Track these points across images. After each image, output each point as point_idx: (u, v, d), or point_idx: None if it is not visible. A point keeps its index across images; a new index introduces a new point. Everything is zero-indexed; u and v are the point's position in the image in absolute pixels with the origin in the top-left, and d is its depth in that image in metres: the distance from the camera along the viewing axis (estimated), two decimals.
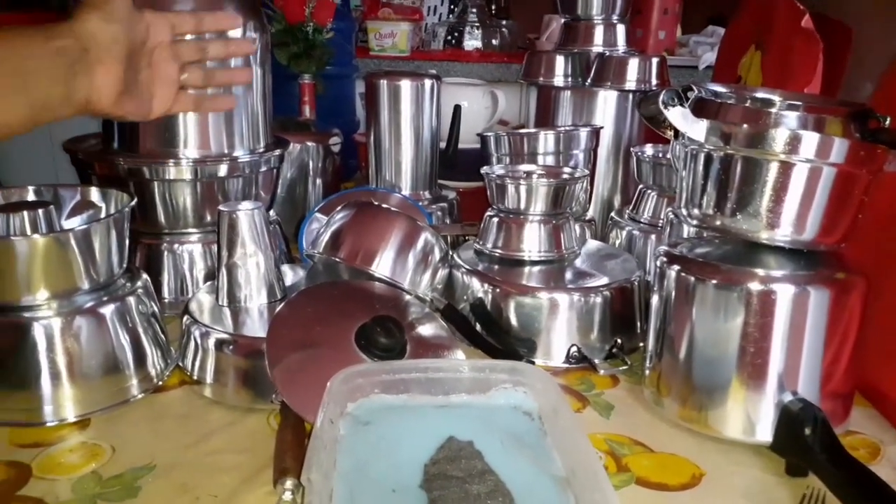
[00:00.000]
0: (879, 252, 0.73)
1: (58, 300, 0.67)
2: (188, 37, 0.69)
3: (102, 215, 0.77)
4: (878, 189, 0.65)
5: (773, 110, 0.63)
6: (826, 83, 0.96)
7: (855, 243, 0.66)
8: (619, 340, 0.83)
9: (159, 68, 0.65)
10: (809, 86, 0.96)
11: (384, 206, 0.89)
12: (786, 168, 0.62)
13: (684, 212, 0.70)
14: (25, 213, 0.70)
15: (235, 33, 0.84)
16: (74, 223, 0.77)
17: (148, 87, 0.64)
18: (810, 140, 0.61)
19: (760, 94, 0.67)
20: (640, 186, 1.03)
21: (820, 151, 0.61)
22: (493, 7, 2.90)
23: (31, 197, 0.77)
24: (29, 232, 0.69)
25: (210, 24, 0.68)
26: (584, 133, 1.08)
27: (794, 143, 0.61)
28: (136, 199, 0.76)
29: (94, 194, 0.80)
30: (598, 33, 1.18)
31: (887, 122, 0.64)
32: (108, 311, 0.69)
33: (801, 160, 0.61)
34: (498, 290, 0.84)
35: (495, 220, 0.90)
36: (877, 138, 0.63)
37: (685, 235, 0.80)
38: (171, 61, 0.66)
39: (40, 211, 0.71)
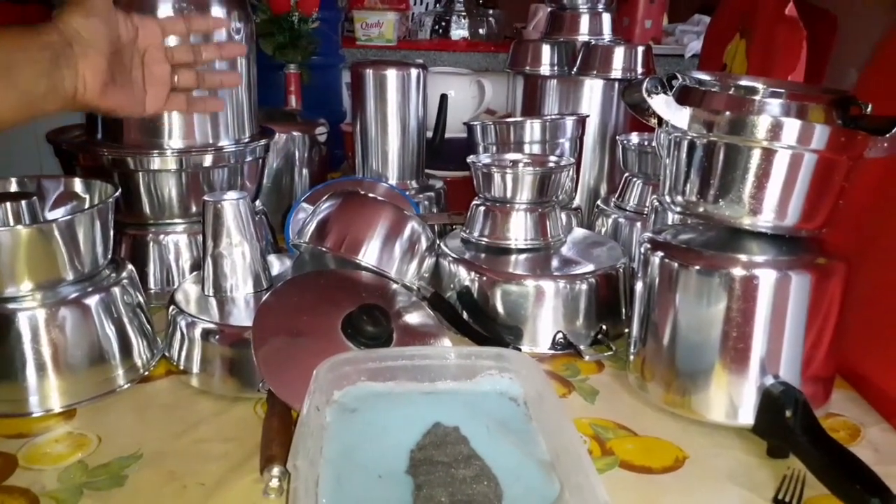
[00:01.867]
0: (860, 237, 0.74)
1: (42, 291, 0.67)
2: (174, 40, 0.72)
3: (86, 206, 0.77)
4: (859, 175, 0.65)
5: (756, 97, 0.64)
6: (811, 71, 0.97)
7: (836, 229, 0.66)
8: (604, 327, 0.83)
9: (152, 68, 0.69)
10: (793, 73, 0.96)
11: (371, 195, 0.89)
12: (768, 154, 0.62)
13: (668, 199, 0.71)
14: (8, 204, 0.69)
15: (222, 34, 0.85)
16: (58, 214, 0.77)
17: (140, 86, 0.68)
18: (792, 126, 0.61)
19: (743, 82, 0.67)
20: (626, 174, 1.03)
21: (802, 138, 0.61)
22: None
23: (14, 188, 0.77)
24: (12, 223, 0.69)
25: (198, 25, 0.72)
26: (570, 122, 1.09)
27: (776, 130, 0.61)
28: (120, 190, 0.76)
29: (78, 185, 0.79)
30: (584, 22, 1.18)
31: (868, 109, 0.65)
32: (92, 301, 0.69)
33: (783, 147, 0.62)
34: (484, 278, 0.84)
35: (482, 208, 0.90)
36: (858, 125, 0.63)
37: (669, 222, 0.81)
38: (164, 63, 0.70)
39: (23, 202, 0.70)
